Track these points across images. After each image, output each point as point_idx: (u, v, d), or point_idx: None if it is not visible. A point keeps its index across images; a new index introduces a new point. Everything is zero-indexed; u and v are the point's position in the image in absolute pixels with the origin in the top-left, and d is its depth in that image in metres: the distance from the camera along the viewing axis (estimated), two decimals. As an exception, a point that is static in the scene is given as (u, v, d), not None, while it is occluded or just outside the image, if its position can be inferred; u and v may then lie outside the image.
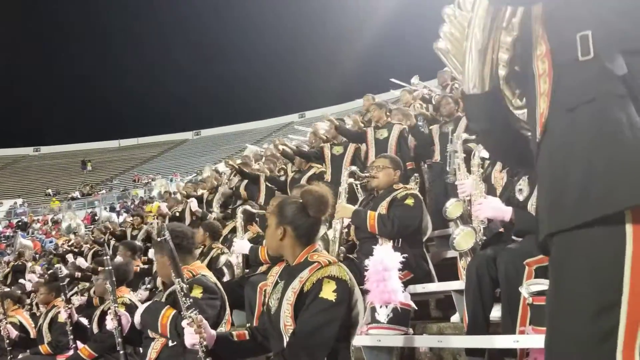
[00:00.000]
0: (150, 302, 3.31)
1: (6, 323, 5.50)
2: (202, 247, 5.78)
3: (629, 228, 1.04)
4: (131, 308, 4.01)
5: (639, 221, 1.04)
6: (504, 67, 1.38)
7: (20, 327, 5.85)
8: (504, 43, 1.36)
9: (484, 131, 1.48)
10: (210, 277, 3.32)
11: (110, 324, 3.39)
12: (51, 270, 6.51)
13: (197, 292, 3.11)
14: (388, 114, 7.01)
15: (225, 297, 3.33)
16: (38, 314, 6.03)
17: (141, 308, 3.25)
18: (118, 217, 16.52)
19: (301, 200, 2.49)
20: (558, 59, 1.17)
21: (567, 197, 1.10)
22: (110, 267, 3.54)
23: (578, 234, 1.09)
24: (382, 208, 4.04)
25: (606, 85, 1.08)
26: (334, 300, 2.21)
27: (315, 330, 2.20)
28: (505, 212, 3.10)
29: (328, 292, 2.22)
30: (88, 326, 4.78)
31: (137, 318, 3.26)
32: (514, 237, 3.16)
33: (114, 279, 3.52)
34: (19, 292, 6.99)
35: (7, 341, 5.37)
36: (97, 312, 4.53)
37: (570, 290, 1.11)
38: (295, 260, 2.45)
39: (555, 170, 1.15)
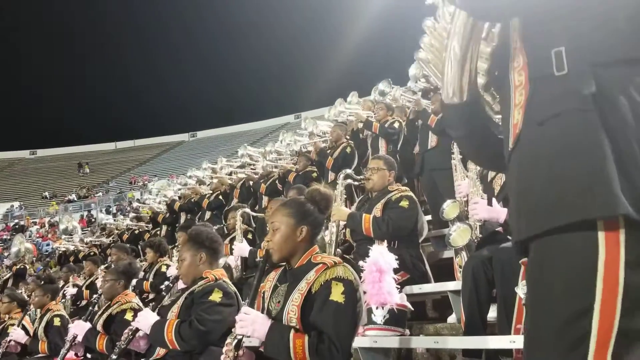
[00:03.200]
0: (155, 321, 3.21)
1: (17, 325, 5.45)
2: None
3: (600, 235, 1.05)
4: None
5: (610, 228, 1.05)
6: (483, 76, 1.40)
7: (23, 330, 5.79)
8: (483, 53, 1.38)
9: (462, 138, 1.50)
10: (230, 285, 3.33)
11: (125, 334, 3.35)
12: (46, 273, 6.45)
13: (216, 296, 3.13)
14: (391, 113, 7.06)
15: (242, 305, 3.32)
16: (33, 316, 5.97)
17: (147, 325, 3.19)
18: (115, 219, 16.44)
19: (311, 199, 2.53)
20: (534, 73, 1.20)
21: (530, 206, 1.14)
22: (142, 265, 3.53)
23: (550, 240, 1.10)
24: (377, 210, 4.05)
25: (574, 101, 1.10)
26: (342, 303, 2.26)
27: (338, 331, 2.24)
28: (500, 213, 3.10)
29: (337, 294, 2.27)
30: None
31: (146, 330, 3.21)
32: (509, 237, 3.16)
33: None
34: (21, 294, 6.94)
35: (17, 344, 5.30)
36: (104, 316, 4.32)
37: (544, 296, 1.12)
38: (297, 262, 2.46)
39: (522, 181, 1.18)
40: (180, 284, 3.63)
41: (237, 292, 3.33)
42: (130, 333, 3.26)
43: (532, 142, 1.15)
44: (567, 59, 1.12)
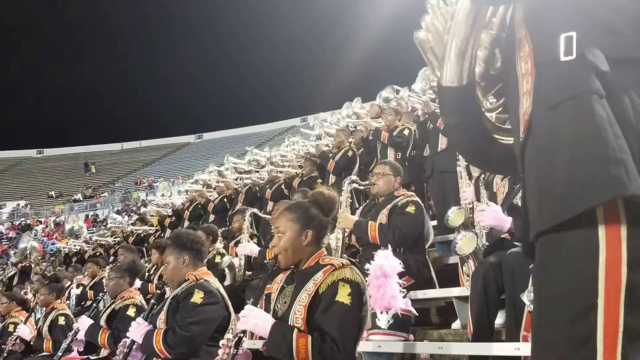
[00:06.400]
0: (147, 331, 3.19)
1: (21, 322, 5.48)
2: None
3: (601, 230, 1.04)
4: (142, 310, 3.96)
5: (610, 221, 1.04)
6: (479, 65, 1.39)
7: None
8: (483, 41, 1.37)
9: (456, 125, 1.46)
10: (213, 282, 3.33)
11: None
12: (53, 272, 6.49)
13: (197, 297, 3.14)
14: (399, 118, 7.08)
15: (229, 303, 3.32)
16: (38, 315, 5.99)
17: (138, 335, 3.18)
18: (122, 219, 16.45)
19: (315, 202, 2.53)
20: (540, 58, 1.18)
21: (549, 197, 1.10)
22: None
23: (555, 237, 1.08)
24: (383, 216, 4.04)
25: (588, 82, 1.08)
26: (348, 304, 2.26)
27: (342, 331, 2.24)
28: (505, 222, 3.11)
29: (344, 295, 2.27)
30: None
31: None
32: (516, 244, 3.16)
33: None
34: (23, 293, 6.97)
35: (21, 343, 5.33)
36: (107, 312, 4.36)
37: (548, 295, 1.10)
38: (305, 264, 2.47)
39: (541, 171, 1.14)
40: None
41: (220, 289, 3.31)
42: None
43: (546, 128, 1.13)
44: (576, 44, 1.10)
